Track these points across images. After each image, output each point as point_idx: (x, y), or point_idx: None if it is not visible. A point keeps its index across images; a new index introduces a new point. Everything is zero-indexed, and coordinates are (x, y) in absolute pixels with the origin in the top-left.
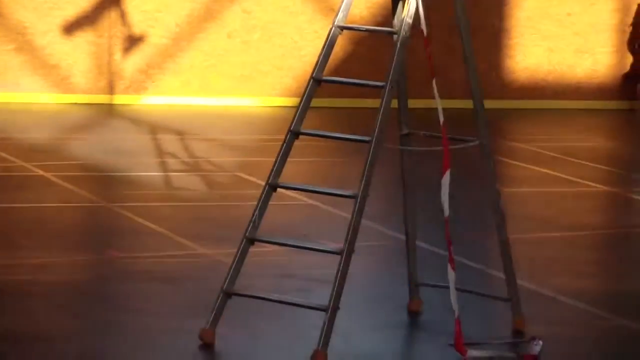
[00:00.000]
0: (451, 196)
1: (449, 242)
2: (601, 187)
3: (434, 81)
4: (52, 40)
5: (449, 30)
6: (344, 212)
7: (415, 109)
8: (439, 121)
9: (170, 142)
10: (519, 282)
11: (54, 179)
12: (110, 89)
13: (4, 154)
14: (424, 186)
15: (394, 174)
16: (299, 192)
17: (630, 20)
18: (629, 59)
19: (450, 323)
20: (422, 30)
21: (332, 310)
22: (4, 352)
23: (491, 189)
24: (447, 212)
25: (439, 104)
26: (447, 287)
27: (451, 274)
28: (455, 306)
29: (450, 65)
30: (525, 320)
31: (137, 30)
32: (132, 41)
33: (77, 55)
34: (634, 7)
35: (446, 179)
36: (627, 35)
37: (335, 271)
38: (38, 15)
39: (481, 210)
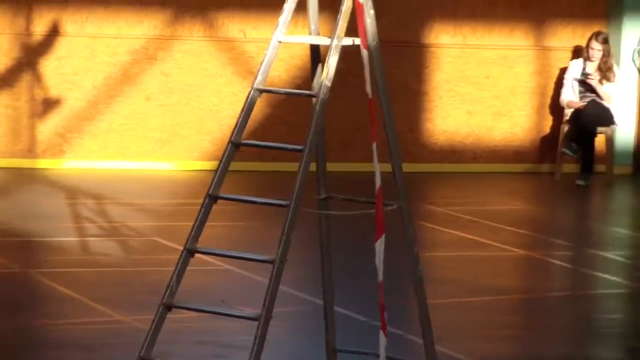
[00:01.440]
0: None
1: (382, 307)
2: (518, 251)
3: (374, 145)
4: None
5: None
6: (262, 277)
7: (333, 172)
8: (376, 185)
9: (88, 207)
10: (438, 347)
11: None
12: (29, 153)
13: None
14: (342, 251)
15: (312, 238)
16: (217, 257)
17: (548, 82)
18: (548, 121)
19: None
20: (367, 94)
21: None
22: None
23: (409, 252)
24: (381, 277)
25: (377, 168)
26: (365, 354)
27: (383, 339)
28: None
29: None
30: None
31: (54, 93)
32: (50, 104)
33: None
34: (554, 71)
35: (381, 244)
36: (546, 98)
37: (253, 337)
38: None
39: (400, 274)
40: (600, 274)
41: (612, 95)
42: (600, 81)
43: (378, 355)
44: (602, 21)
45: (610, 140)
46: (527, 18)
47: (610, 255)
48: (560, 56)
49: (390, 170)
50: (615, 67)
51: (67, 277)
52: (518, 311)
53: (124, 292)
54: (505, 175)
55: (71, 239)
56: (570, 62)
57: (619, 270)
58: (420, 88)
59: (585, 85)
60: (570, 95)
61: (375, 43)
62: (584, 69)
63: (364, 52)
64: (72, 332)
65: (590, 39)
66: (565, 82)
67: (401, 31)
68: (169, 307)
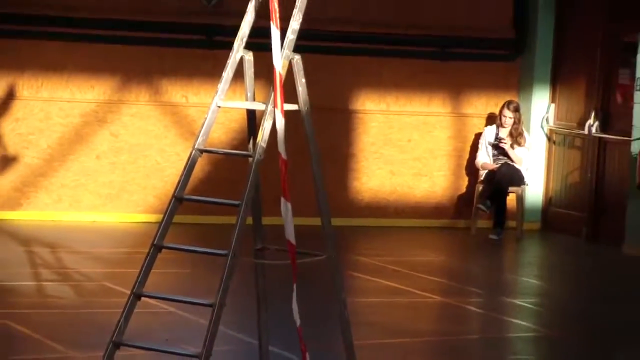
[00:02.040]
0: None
1: (304, 349)
2: (436, 298)
3: (288, 203)
4: None
5: (302, 153)
6: (203, 320)
7: (268, 225)
8: (290, 237)
9: (43, 254)
10: None
11: None
12: None
13: None
14: (276, 296)
15: (249, 284)
16: (161, 300)
17: (464, 146)
18: (464, 181)
19: None
20: (280, 155)
21: None
22: None
23: (337, 298)
24: (298, 321)
25: (290, 222)
26: None
27: None
28: None
29: (302, 186)
30: None
31: (12, 151)
32: (7, 161)
33: None
34: (469, 136)
35: (294, 293)
36: (462, 160)
37: None
38: None
39: (329, 317)
40: (510, 319)
41: (523, 158)
42: (511, 145)
43: None
44: (514, 91)
45: (520, 199)
46: (444, 87)
47: (518, 302)
48: (476, 122)
49: (320, 223)
50: (525, 133)
51: (25, 317)
52: (433, 352)
53: (77, 332)
54: (426, 230)
55: (28, 283)
56: (485, 128)
57: (527, 315)
58: (348, 150)
59: (498, 149)
60: (485, 158)
61: (306, 108)
62: (497, 134)
63: (279, 116)
64: None
65: (502, 107)
66: (480, 146)
67: (331, 98)
68: (117, 345)
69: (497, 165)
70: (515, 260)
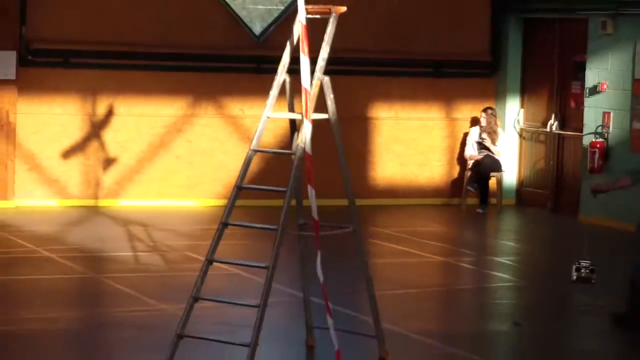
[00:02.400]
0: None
1: (326, 299)
2: (437, 258)
3: (313, 189)
4: (54, 162)
5: (331, 152)
6: (260, 278)
7: (307, 206)
8: (315, 215)
9: (137, 232)
10: (383, 324)
11: (57, 258)
12: (95, 195)
13: (22, 242)
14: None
15: (294, 250)
16: (228, 264)
17: (455, 143)
18: (456, 169)
19: (334, 353)
20: (306, 152)
21: (253, 346)
22: None
23: (361, 260)
24: (321, 278)
25: (314, 203)
26: (328, 329)
27: (330, 320)
28: (335, 342)
29: (333, 175)
30: (388, 351)
31: (112, 154)
32: (109, 162)
33: (71, 172)
34: (459, 135)
35: (318, 257)
36: (454, 154)
37: (254, 319)
38: (43, 146)
39: (355, 275)
40: (494, 273)
41: (500, 151)
42: (492, 142)
43: (343, 330)
44: (492, 100)
45: (499, 182)
46: (438, 98)
47: (500, 259)
48: (463, 124)
49: (347, 203)
50: (499, 130)
51: (125, 280)
52: (436, 299)
53: (165, 290)
54: (427, 207)
55: (127, 253)
56: (470, 129)
57: (506, 270)
58: (366, 148)
59: (481, 144)
60: (471, 151)
61: (334, 117)
62: (480, 133)
63: (307, 123)
64: (130, 317)
65: (482, 112)
66: (467, 142)
67: (352, 109)
68: (196, 299)
69: (481, 157)
70: (496, 228)
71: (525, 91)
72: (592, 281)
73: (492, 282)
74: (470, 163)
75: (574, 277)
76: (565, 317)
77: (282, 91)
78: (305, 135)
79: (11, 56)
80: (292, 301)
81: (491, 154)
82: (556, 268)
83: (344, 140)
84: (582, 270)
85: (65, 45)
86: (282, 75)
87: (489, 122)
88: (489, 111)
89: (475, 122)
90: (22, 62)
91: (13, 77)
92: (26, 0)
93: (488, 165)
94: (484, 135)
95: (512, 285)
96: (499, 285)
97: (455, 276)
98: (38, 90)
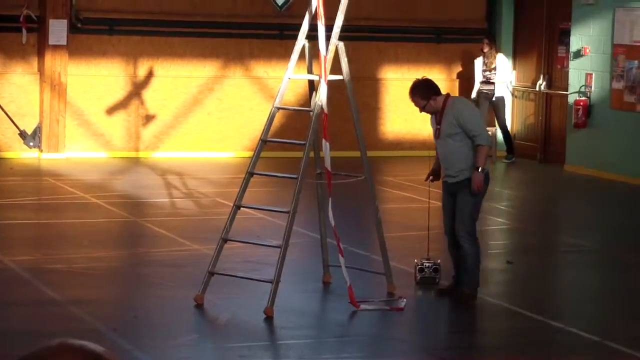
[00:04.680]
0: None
1: (338, 240)
2: (438, 203)
3: (327, 143)
4: (100, 118)
5: (345, 109)
6: (282, 221)
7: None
8: (328, 166)
9: (173, 181)
10: (390, 262)
11: (102, 204)
12: (136, 148)
13: (71, 189)
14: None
15: (312, 197)
16: (254, 209)
17: None
18: None
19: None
20: (323, 109)
21: (275, 282)
22: (77, 312)
23: (373, 205)
24: (333, 222)
25: (328, 155)
26: (342, 267)
27: (341, 259)
28: (346, 278)
29: (347, 130)
30: (395, 286)
31: (151, 111)
32: (149, 118)
33: (115, 127)
34: (460, 92)
35: (329, 203)
36: None
37: (277, 258)
38: (90, 104)
39: (367, 218)
40: (490, 217)
41: (504, 80)
42: (489, 68)
43: (354, 268)
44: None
45: (494, 135)
46: (440, 61)
47: (496, 205)
48: (462, 84)
49: (359, 154)
50: (500, 57)
51: (162, 222)
52: (438, 241)
53: (198, 232)
54: (429, 158)
55: (164, 200)
56: (475, 60)
57: (501, 214)
58: (377, 105)
59: (485, 73)
60: (479, 77)
61: (348, 78)
62: (483, 61)
63: (323, 84)
64: (167, 256)
65: (483, 43)
66: (476, 69)
67: (363, 71)
68: (225, 241)
69: (480, 80)
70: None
71: (517, 55)
72: (437, 281)
73: (489, 225)
74: (475, 89)
75: (417, 279)
76: (552, 256)
77: (301, 55)
78: (322, 94)
79: (63, 24)
80: (310, 242)
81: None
82: (545, 211)
83: (356, 99)
84: (426, 271)
85: (110, 14)
86: (301, 41)
87: (487, 48)
88: (486, 41)
89: (478, 55)
90: (72, 30)
91: (64, 43)
92: None
93: (499, 111)
94: (488, 65)
95: (506, 228)
96: (494, 228)
97: None
98: (86, 55)
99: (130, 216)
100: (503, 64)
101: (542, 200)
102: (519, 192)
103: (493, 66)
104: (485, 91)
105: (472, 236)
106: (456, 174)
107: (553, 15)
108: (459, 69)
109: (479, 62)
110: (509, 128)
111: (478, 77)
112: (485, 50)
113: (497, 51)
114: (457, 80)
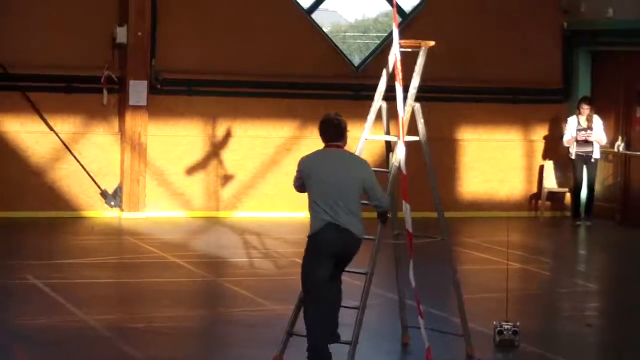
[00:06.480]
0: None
1: (418, 302)
2: (517, 265)
3: (408, 205)
4: (180, 178)
5: (422, 170)
6: (359, 282)
7: (400, 218)
8: (408, 228)
9: (252, 240)
10: (469, 324)
11: (182, 263)
12: (215, 208)
13: (151, 248)
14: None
15: (389, 258)
16: None
17: (532, 162)
18: (533, 185)
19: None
20: (401, 171)
21: (354, 343)
22: None
23: (450, 266)
24: (413, 283)
25: (408, 216)
26: (419, 328)
27: (420, 321)
28: (425, 340)
29: (423, 190)
30: (474, 348)
31: (230, 171)
32: (227, 178)
33: (195, 187)
34: (537, 154)
35: (411, 264)
36: (532, 171)
37: (355, 318)
38: (170, 164)
39: (445, 280)
40: (570, 279)
41: (602, 138)
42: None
43: (433, 330)
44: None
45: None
46: (516, 122)
47: (575, 267)
48: (539, 145)
49: (436, 215)
50: (596, 118)
51: (241, 282)
52: (518, 302)
53: (276, 292)
54: (507, 219)
55: (242, 259)
56: (568, 119)
57: (581, 276)
58: (454, 166)
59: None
60: (569, 137)
61: (424, 139)
62: (578, 122)
63: (401, 145)
64: (244, 316)
65: (580, 102)
66: (565, 131)
67: (440, 132)
68: (303, 300)
69: (579, 136)
70: (570, 238)
71: None
72: (516, 343)
73: (567, 287)
74: (571, 151)
75: (496, 341)
76: (636, 320)
77: (378, 116)
78: (399, 155)
79: (143, 85)
80: (388, 303)
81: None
82: (627, 275)
83: (433, 160)
84: (505, 333)
85: (189, 76)
86: (378, 101)
87: (587, 110)
88: (587, 99)
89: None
90: (152, 90)
91: (144, 104)
92: (156, 37)
93: (592, 173)
94: (583, 124)
95: (585, 290)
96: (572, 290)
97: (532, 281)
98: (165, 115)
99: (209, 275)
100: (600, 125)
101: (622, 262)
102: (598, 254)
103: (591, 127)
104: (581, 153)
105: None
106: None
107: (630, 76)
108: (536, 129)
109: (572, 122)
110: (586, 188)
111: (569, 136)
112: (586, 111)
113: (593, 112)
114: (533, 142)
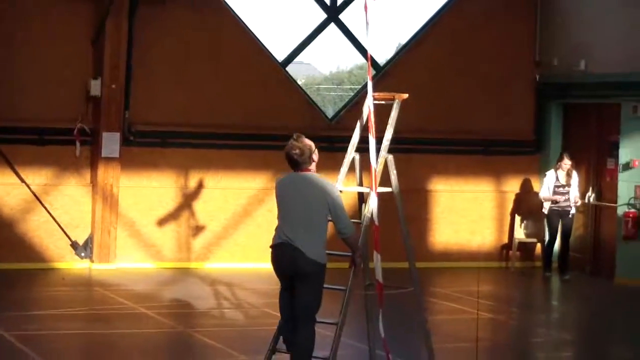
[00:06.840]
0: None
1: (387, 352)
2: (487, 315)
3: (379, 255)
4: (151, 229)
5: (394, 220)
6: (329, 332)
7: (371, 268)
8: (379, 278)
9: (223, 291)
10: None
11: (152, 314)
12: (186, 259)
13: (121, 299)
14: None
15: (361, 308)
16: None
17: (504, 212)
18: (505, 236)
19: None
20: (373, 222)
21: None
22: None
23: (421, 316)
24: (382, 334)
25: (379, 267)
26: None
27: None
28: None
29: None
30: None
31: (202, 222)
32: (198, 229)
33: (166, 238)
34: (507, 205)
35: (380, 314)
36: (503, 222)
37: None
38: (141, 215)
39: (415, 330)
40: (540, 329)
41: (577, 194)
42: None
43: None
44: (536, 175)
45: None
46: (488, 174)
47: (544, 317)
48: (510, 196)
49: (408, 265)
50: (574, 173)
51: (210, 333)
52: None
53: (246, 342)
54: (478, 269)
55: (214, 310)
56: (547, 173)
57: (551, 326)
58: (426, 217)
59: (559, 189)
60: (546, 193)
61: (397, 190)
62: (556, 176)
63: (373, 196)
64: None
65: (561, 156)
66: (542, 185)
67: (412, 183)
68: (273, 352)
69: (557, 198)
70: (540, 289)
71: None
72: None
73: (538, 337)
74: (546, 206)
75: None
76: None
77: (351, 167)
78: (372, 206)
79: (115, 137)
80: (358, 354)
81: (568, 209)
82: (595, 325)
83: (405, 210)
84: None
85: (162, 128)
86: (351, 153)
87: (569, 165)
88: (568, 154)
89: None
90: (125, 142)
91: (117, 155)
92: (130, 90)
93: (569, 228)
94: (562, 180)
95: (554, 340)
96: (542, 340)
97: (503, 331)
98: (138, 167)
99: (179, 326)
100: (576, 182)
101: (591, 313)
102: (567, 305)
103: (569, 184)
104: (557, 208)
105: None
106: None
107: (602, 128)
108: (508, 181)
109: (551, 177)
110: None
111: (546, 191)
112: (567, 166)
113: (573, 167)
114: (505, 193)
